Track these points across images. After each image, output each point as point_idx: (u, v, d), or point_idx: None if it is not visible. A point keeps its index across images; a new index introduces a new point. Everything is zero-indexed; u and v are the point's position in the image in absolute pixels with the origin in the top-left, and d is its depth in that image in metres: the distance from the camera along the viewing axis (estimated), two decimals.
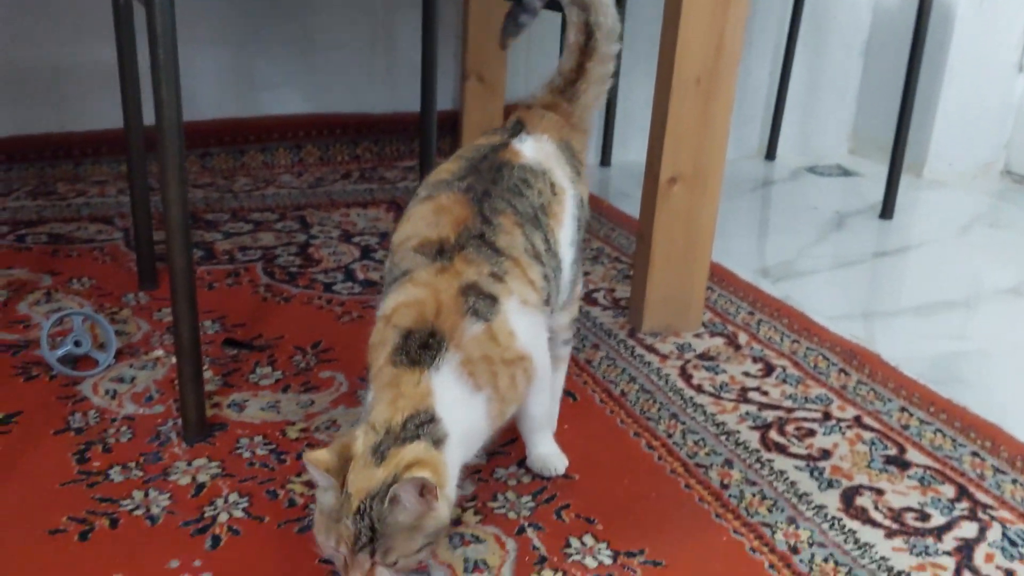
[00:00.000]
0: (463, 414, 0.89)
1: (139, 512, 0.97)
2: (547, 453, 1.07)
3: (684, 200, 1.36)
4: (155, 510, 0.97)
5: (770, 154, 2.43)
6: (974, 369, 1.38)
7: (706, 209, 1.37)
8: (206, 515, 0.97)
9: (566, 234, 1.05)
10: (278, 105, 2.15)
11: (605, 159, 2.31)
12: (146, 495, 0.99)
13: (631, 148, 2.31)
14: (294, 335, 1.36)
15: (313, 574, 0.90)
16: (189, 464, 1.05)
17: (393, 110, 2.23)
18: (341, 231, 1.78)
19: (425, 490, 0.80)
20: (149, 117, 1.42)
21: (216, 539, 0.94)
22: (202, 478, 1.03)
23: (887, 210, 2.01)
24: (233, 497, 1.00)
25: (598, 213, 1.90)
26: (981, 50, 2.21)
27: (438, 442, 0.86)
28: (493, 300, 0.93)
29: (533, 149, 1.05)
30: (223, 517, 0.97)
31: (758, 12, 2.34)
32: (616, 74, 2.27)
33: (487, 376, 0.91)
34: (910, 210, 2.07)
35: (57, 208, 1.82)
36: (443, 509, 0.83)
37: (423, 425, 0.85)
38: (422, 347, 0.89)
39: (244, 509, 0.98)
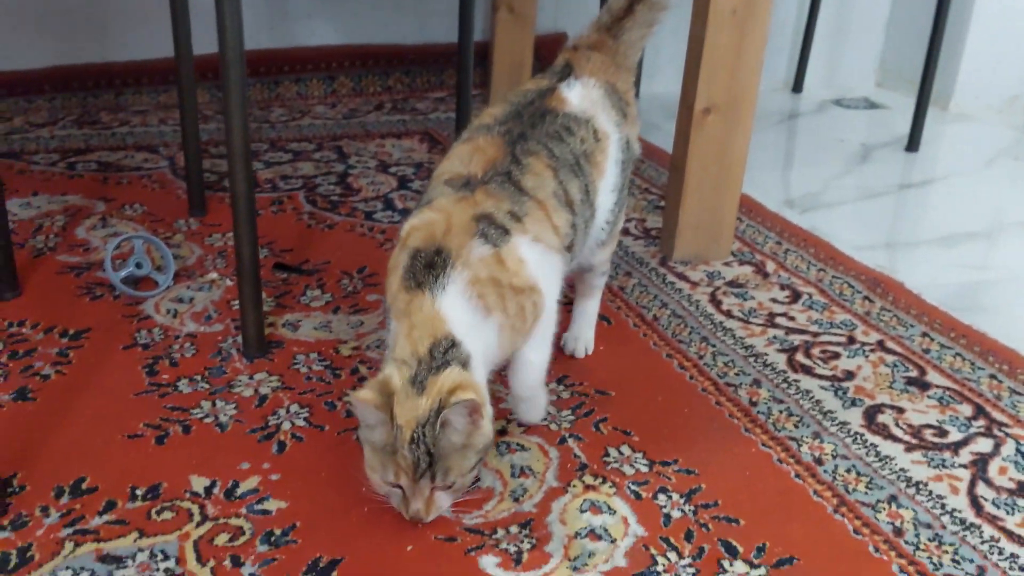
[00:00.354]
0: (478, 336, 0.92)
1: (208, 420, 1.04)
2: (538, 400, 1.06)
3: (718, 130, 1.39)
4: (223, 419, 1.05)
5: (797, 87, 2.44)
6: (994, 297, 1.43)
7: (739, 139, 1.41)
8: (270, 424, 1.04)
9: (608, 181, 1.09)
10: (311, 36, 2.18)
11: (635, 89, 2.33)
12: (213, 405, 1.07)
13: (660, 79, 2.34)
14: (340, 260, 1.42)
15: (354, 481, 0.97)
16: (251, 378, 1.12)
17: (424, 41, 2.25)
18: (378, 161, 1.83)
19: (472, 410, 0.86)
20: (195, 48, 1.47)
21: (281, 445, 1.01)
22: (264, 390, 1.10)
23: (913, 142, 2.03)
24: (294, 408, 1.07)
25: None
26: None
27: (464, 364, 0.90)
28: (505, 231, 0.95)
29: (579, 96, 1.09)
30: (286, 426, 1.04)
31: None
32: None
33: (496, 299, 0.93)
34: (936, 143, 2.09)
35: (103, 137, 1.87)
36: (488, 425, 0.89)
37: (448, 351, 0.89)
38: (427, 267, 0.91)
39: (305, 419, 1.06)
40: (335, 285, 1.35)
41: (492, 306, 0.93)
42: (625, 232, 1.56)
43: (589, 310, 1.21)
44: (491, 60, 2.19)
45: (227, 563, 0.85)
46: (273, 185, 1.69)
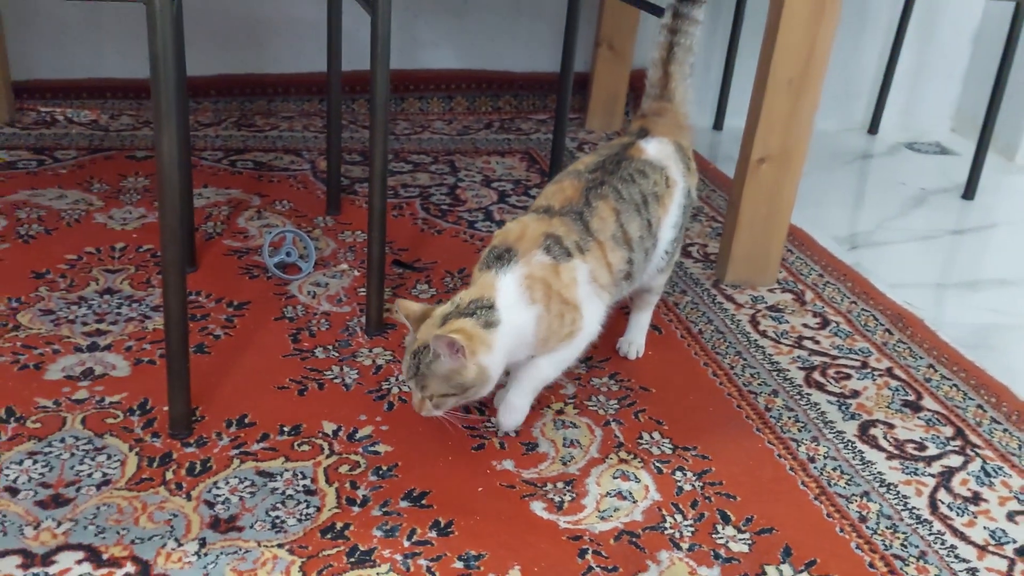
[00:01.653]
0: (516, 315, 1.15)
1: (337, 381, 1.36)
2: (516, 403, 1.25)
3: (769, 177, 1.64)
4: (348, 380, 1.36)
5: (873, 128, 2.63)
6: (1005, 339, 1.63)
7: (788, 186, 1.65)
8: (383, 387, 1.35)
9: (670, 219, 1.34)
10: (435, 61, 2.50)
11: (718, 123, 2.58)
12: (341, 369, 1.38)
13: (741, 116, 2.56)
14: (445, 262, 1.73)
15: (456, 437, 1.27)
16: (370, 351, 1.44)
17: (531, 70, 2.54)
18: (483, 176, 2.13)
19: (452, 347, 1.10)
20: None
21: (391, 404, 1.32)
22: (380, 362, 1.41)
23: (969, 190, 2.21)
24: (402, 377, 1.38)
25: (703, 174, 2.18)
26: None
27: (489, 324, 1.13)
28: (568, 253, 1.20)
29: (655, 148, 1.35)
30: (395, 390, 1.35)
31: None
32: (734, 47, 2.54)
33: (542, 295, 1.17)
34: (994, 192, 2.26)
35: (257, 139, 2.23)
36: (471, 369, 1.12)
37: (481, 309, 1.14)
38: (497, 258, 1.18)
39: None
40: (440, 282, 1.66)
41: (537, 298, 1.17)
42: (688, 255, 1.82)
43: (642, 321, 1.48)
44: (589, 90, 2.46)
45: (347, 485, 1.16)
46: (395, 192, 2.01)
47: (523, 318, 1.17)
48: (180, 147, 1.15)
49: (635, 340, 1.47)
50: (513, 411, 1.25)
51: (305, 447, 1.22)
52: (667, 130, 1.39)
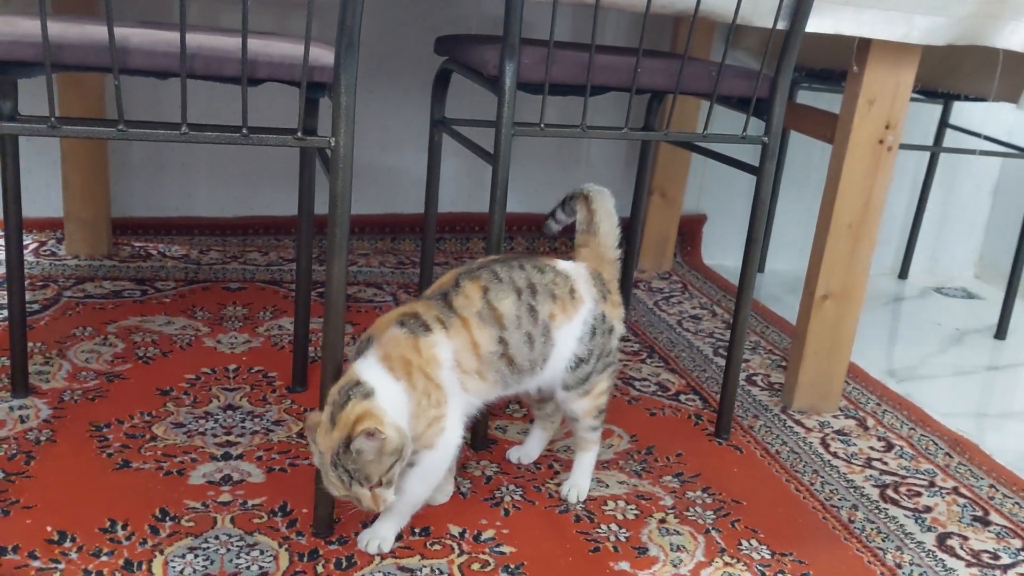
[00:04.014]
0: (385, 387, 1.17)
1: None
2: (383, 533, 1.28)
3: (832, 312, 1.80)
4: (463, 489, 1.47)
5: (903, 274, 2.83)
6: None
7: (848, 320, 1.81)
8: (496, 495, 1.46)
9: (573, 329, 1.33)
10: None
11: (760, 266, 2.77)
12: (456, 478, 1.50)
13: (782, 259, 2.77)
14: None
15: (572, 540, 1.37)
16: (478, 463, 1.56)
17: None
18: None
19: (371, 434, 1.12)
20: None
21: (506, 511, 1.43)
22: (488, 473, 1.53)
23: (1001, 331, 2.38)
24: (511, 487, 1.49)
25: (755, 312, 2.36)
26: None
27: (367, 395, 1.15)
28: (426, 327, 1.22)
29: (569, 265, 1.37)
30: (507, 498, 1.46)
31: (901, 152, 2.78)
32: (775, 196, 2.76)
33: (403, 371, 1.18)
34: (1022, 333, 2.43)
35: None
36: (393, 436, 1.14)
37: (351, 389, 1.16)
38: (357, 351, 1.22)
39: (520, 495, 1.47)
40: (528, 404, 1.79)
41: (399, 375, 1.19)
42: (753, 383, 1.96)
43: (584, 461, 1.46)
44: (637, 233, 2.66)
45: None
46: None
47: (392, 391, 1.18)
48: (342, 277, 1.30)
49: (577, 483, 1.46)
50: (375, 538, 1.29)
51: (436, 546, 1.32)
52: (589, 259, 1.42)
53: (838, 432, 1.78)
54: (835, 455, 1.69)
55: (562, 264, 1.38)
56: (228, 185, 2.57)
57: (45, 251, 2.35)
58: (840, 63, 2.19)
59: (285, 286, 2.29)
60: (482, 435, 1.61)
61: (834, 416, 1.84)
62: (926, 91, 2.31)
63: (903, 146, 1.99)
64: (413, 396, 1.19)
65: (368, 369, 1.19)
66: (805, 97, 2.61)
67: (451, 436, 1.26)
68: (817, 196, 1.84)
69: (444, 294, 1.27)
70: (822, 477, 1.61)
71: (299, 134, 1.24)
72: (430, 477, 1.27)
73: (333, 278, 1.27)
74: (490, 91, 1.51)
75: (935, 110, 2.68)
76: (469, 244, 2.69)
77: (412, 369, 1.19)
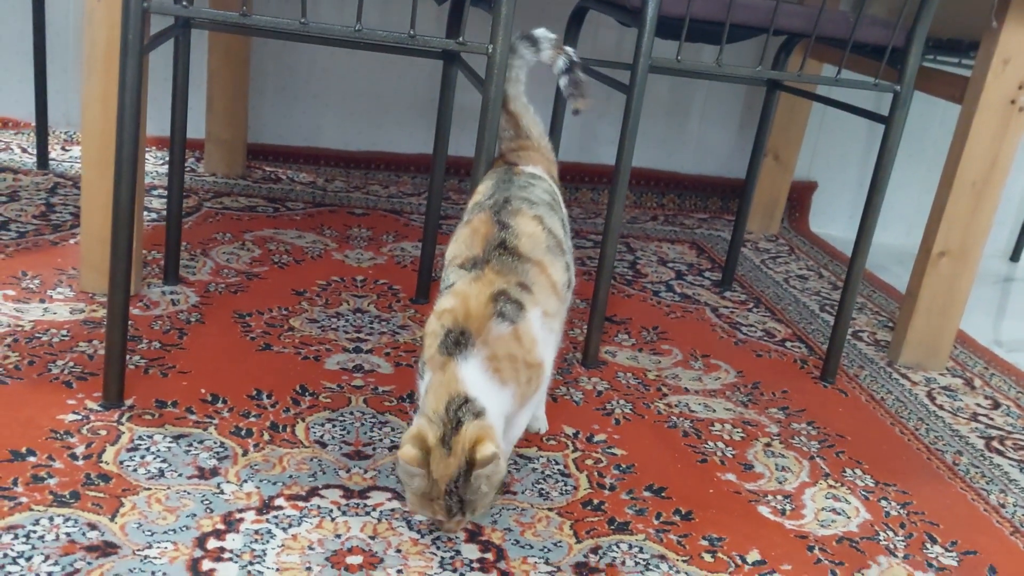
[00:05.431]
0: (493, 399, 1.06)
1: (567, 397, 1.55)
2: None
3: (947, 269, 1.81)
4: (576, 398, 1.55)
5: (1015, 256, 2.79)
6: None
7: (964, 279, 1.82)
8: (608, 407, 1.54)
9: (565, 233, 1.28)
10: (610, 157, 2.76)
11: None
12: (568, 389, 1.57)
13: (890, 231, 2.76)
14: (637, 319, 1.93)
15: (681, 451, 1.43)
16: (588, 379, 1.63)
17: (697, 172, 2.80)
18: (658, 257, 2.35)
19: (493, 459, 1.01)
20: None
21: (617, 420, 1.50)
22: (600, 388, 1.60)
23: None
24: (621, 401, 1.56)
25: (865, 279, 2.36)
26: None
27: (479, 414, 1.04)
28: (520, 306, 1.10)
29: (532, 168, 1.34)
30: (618, 410, 1.53)
31: None
32: (889, 167, 2.72)
33: (511, 373, 1.07)
34: None
35: (453, 209, 2.50)
36: (503, 464, 1.05)
37: (461, 409, 1.03)
38: (455, 343, 1.07)
39: (630, 409, 1.54)
40: (637, 335, 1.85)
41: (508, 378, 1.07)
42: (859, 339, 1.99)
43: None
44: (747, 195, 2.68)
45: (595, 474, 1.33)
46: (582, 262, 2.24)
47: (499, 399, 1.08)
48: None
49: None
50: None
51: (553, 442, 1.40)
52: (533, 160, 1.38)
53: (944, 388, 1.80)
54: (941, 407, 1.71)
55: (529, 168, 1.34)
56: (355, 120, 2.68)
57: (185, 168, 2.50)
58: (970, 33, 2.17)
59: (406, 216, 2.39)
60: (593, 355, 1.68)
61: (941, 375, 1.86)
62: None
63: None
64: (517, 392, 1.10)
65: (474, 377, 1.06)
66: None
67: (547, 375, 1.20)
68: (930, 173, 1.85)
69: (503, 244, 1.15)
70: (927, 424, 1.64)
71: (461, 39, 1.33)
72: (531, 411, 1.23)
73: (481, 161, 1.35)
74: (630, 25, 1.57)
75: None
76: (578, 194, 2.75)
77: (518, 365, 1.09)
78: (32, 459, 1.18)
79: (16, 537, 1.04)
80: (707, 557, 1.18)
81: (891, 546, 1.26)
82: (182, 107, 1.68)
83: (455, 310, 1.10)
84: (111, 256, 1.29)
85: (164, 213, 2.08)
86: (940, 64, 2.53)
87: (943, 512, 1.36)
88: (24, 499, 1.10)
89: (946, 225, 1.79)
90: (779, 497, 1.34)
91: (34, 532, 1.05)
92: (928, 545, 1.27)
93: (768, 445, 1.49)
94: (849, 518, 1.31)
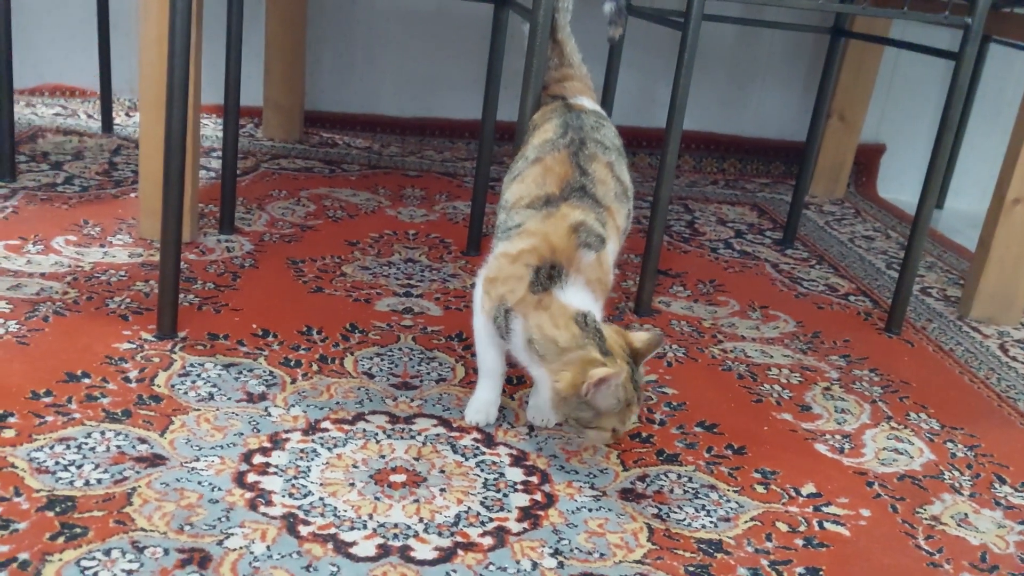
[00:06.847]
0: (597, 315, 1.11)
1: None
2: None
3: (1022, 217, 1.73)
4: None
5: None
6: None
7: None
8: (659, 351, 1.50)
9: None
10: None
11: (940, 202, 2.67)
12: None
13: (963, 198, 2.66)
14: (694, 273, 1.89)
15: (735, 392, 1.39)
16: (640, 327, 1.60)
17: (758, 135, 2.73)
18: (717, 218, 2.30)
19: (658, 337, 1.12)
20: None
21: (669, 363, 1.46)
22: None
23: None
24: (674, 346, 1.53)
25: (932, 239, 2.28)
26: None
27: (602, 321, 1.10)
28: (602, 240, 1.14)
29: (589, 103, 1.34)
30: (671, 354, 1.50)
31: None
32: (960, 130, 2.65)
33: (601, 291, 1.13)
34: None
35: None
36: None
37: (588, 322, 1.07)
38: (548, 277, 1.09)
39: (683, 353, 1.50)
40: (693, 287, 1.81)
41: (600, 296, 1.13)
42: (928, 295, 1.91)
43: None
44: (810, 157, 2.61)
45: (645, 410, 1.30)
46: (638, 220, 2.20)
47: (598, 315, 1.13)
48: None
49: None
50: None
51: None
52: (579, 91, 1.38)
53: (1019, 341, 1.72)
54: (1014, 359, 1.63)
55: (588, 104, 1.34)
56: (410, 86, 2.69)
57: (244, 133, 2.53)
58: None
59: (459, 178, 2.38)
60: (646, 303, 1.64)
61: (1015, 328, 1.77)
62: None
63: None
64: (602, 308, 1.15)
65: (579, 300, 1.10)
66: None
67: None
68: (1006, 140, 1.76)
69: (583, 188, 1.17)
70: (998, 374, 1.56)
71: None
72: None
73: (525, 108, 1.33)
74: None
75: None
76: (635, 159, 2.71)
77: (605, 287, 1.15)
78: (87, 380, 1.20)
79: (68, 448, 1.05)
80: (760, 488, 1.14)
81: (956, 484, 1.20)
82: (236, 55, 1.69)
83: (537, 248, 1.11)
84: (163, 180, 1.29)
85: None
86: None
87: (1013, 456, 1.29)
88: (77, 415, 1.12)
89: (1021, 170, 1.71)
90: (837, 436, 1.29)
91: (85, 444, 1.06)
92: (996, 485, 1.21)
93: (827, 389, 1.44)
94: (912, 458, 1.26)
